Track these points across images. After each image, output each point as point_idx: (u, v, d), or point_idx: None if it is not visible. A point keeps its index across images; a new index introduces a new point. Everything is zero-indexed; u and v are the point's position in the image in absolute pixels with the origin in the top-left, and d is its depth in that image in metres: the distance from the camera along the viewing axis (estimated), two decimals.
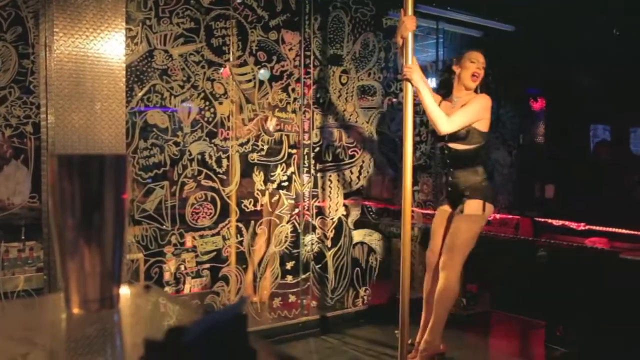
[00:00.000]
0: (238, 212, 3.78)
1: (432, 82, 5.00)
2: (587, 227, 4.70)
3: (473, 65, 3.43)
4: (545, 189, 5.63)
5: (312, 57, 4.09)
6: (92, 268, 0.86)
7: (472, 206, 3.37)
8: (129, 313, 0.99)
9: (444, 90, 3.61)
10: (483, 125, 3.41)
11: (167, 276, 3.52)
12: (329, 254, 4.25)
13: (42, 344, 0.82)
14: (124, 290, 1.02)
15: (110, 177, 0.84)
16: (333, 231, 4.26)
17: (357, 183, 4.38)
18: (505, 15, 5.18)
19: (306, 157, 4.10)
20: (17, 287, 3.02)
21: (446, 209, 3.55)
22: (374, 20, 4.46)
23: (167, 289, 3.47)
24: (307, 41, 4.07)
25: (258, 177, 3.86)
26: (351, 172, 4.35)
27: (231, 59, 3.70)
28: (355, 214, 4.40)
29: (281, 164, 3.98)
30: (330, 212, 4.25)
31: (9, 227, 3.01)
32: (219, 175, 3.68)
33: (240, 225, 3.80)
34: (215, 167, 3.66)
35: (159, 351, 0.63)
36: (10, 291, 2.98)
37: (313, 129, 4.13)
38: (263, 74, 3.87)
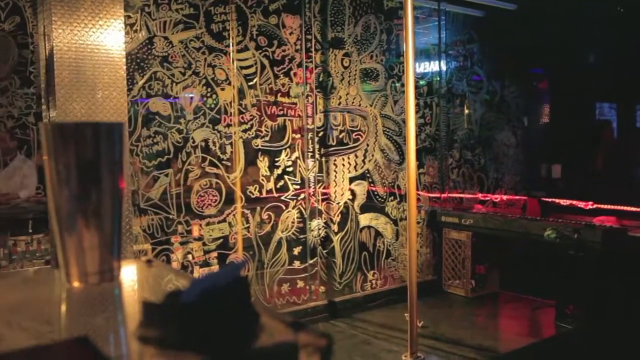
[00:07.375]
0: (243, 198, 3.77)
1: (435, 66, 4.96)
2: (595, 206, 4.66)
3: None
4: (552, 169, 5.59)
5: (313, 41, 4.05)
6: (90, 239, 0.85)
7: None
8: (131, 286, 0.98)
9: None
10: None
11: (174, 265, 3.51)
12: (336, 239, 4.24)
13: (44, 315, 0.81)
14: (127, 265, 1.01)
15: (106, 145, 0.82)
16: (339, 216, 4.24)
17: (362, 167, 4.36)
18: None
19: (310, 141, 4.07)
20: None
21: None
22: (374, 2, 4.40)
23: None
24: (308, 25, 4.03)
25: (262, 163, 3.84)
26: (356, 156, 4.32)
27: (231, 45, 3.67)
28: (362, 197, 4.37)
29: (285, 149, 3.95)
30: (336, 197, 4.23)
31: (17, 221, 3.01)
32: (223, 162, 3.67)
33: (246, 211, 3.79)
34: (219, 153, 3.65)
35: (157, 314, 0.62)
36: None
37: (316, 114, 4.10)
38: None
